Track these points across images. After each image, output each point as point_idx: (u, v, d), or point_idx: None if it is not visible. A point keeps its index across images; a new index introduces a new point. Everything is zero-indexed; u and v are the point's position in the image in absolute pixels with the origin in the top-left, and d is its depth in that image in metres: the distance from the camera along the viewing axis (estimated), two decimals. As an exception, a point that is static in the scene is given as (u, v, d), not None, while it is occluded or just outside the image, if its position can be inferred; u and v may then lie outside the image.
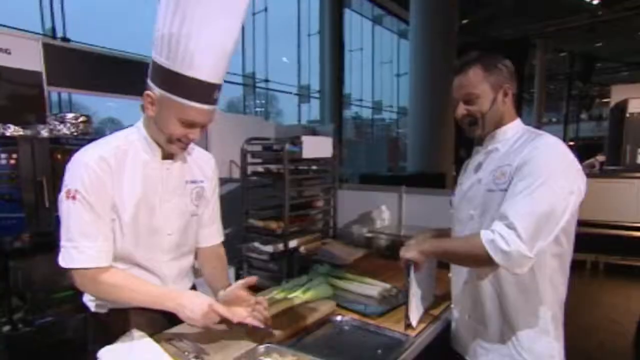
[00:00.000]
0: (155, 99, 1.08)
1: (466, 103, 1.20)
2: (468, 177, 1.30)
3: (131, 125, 1.23)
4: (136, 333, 1.20)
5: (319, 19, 9.84)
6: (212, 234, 1.38)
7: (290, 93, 10.46)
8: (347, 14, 10.53)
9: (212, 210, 1.36)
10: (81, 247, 1.07)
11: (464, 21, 7.76)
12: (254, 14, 8.94)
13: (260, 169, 2.68)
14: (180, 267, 1.30)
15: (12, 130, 2.61)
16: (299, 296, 1.48)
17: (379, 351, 1.22)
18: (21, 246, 2.63)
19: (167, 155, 1.19)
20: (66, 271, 1.12)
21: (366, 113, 13.97)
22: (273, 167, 2.54)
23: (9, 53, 2.95)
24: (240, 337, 1.22)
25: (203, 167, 1.31)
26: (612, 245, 4.67)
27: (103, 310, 1.22)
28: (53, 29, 4.93)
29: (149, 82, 1.11)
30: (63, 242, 1.08)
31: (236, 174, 4.17)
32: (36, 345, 2.84)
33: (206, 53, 1.02)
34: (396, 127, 15.95)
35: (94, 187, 1.06)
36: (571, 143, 14.23)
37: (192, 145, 1.25)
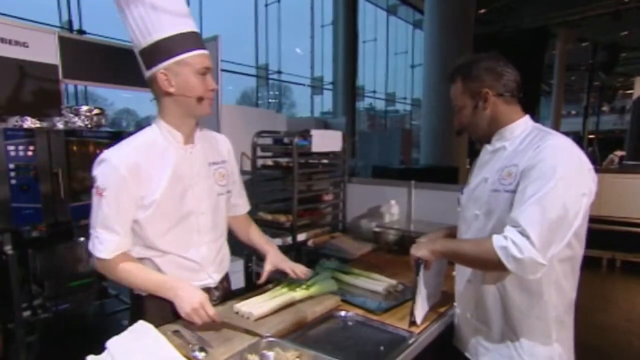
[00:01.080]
0: (168, 73, 1.17)
1: (457, 112, 1.27)
2: (476, 175, 1.29)
3: (147, 117, 1.34)
4: (143, 324, 1.23)
5: (332, 10, 9.73)
6: (242, 205, 1.56)
7: (304, 85, 10.42)
8: (361, 4, 10.39)
9: (238, 186, 1.50)
10: (102, 239, 1.17)
11: (482, 10, 7.55)
12: (266, 5, 8.90)
13: (270, 162, 2.68)
14: (218, 251, 1.37)
15: (29, 122, 2.67)
16: (303, 290, 1.49)
17: (382, 348, 1.22)
18: (38, 235, 2.71)
19: (188, 141, 1.27)
20: (82, 260, 1.24)
21: (380, 105, 13.87)
22: (283, 160, 2.54)
23: (27, 46, 3.01)
24: (244, 332, 1.24)
25: (220, 149, 1.40)
26: (630, 242, 4.55)
27: (143, 294, 1.30)
28: (70, 21, 5.01)
29: (152, 69, 1.19)
30: (90, 230, 1.21)
31: (247, 166, 4.21)
32: (55, 331, 2.95)
33: (167, 14, 1.17)
34: (410, 119, 15.77)
35: (119, 188, 1.15)
36: (591, 136, 13.81)
37: (206, 131, 1.38)
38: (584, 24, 11.39)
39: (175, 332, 1.23)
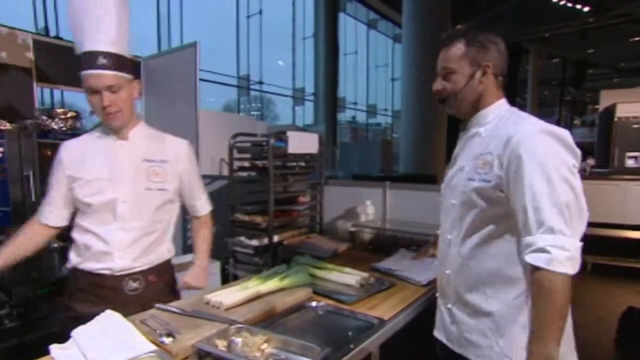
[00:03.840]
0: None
1: (443, 78, 1.17)
2: (453, 164, 1.26)
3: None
4: (110, 313, 1.22)
5: (313, 22, 9.92)
6: (198, 207, 1.62)
7: (285, 96, 10.52)
8: (342, 17, 10.63)
9: (192, 188, 1.56)
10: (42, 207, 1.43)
11: (458, 26, 7.82)
12: (248, 16, 9.01)
13: (247, 164, 2.70)
14: (134, 241, 1.40)
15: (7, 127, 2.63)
16: (275, 282, 1.50)
17: (350, 333, 1.24)
18: (7, 240, 2.64)
19: (122, 137, 1.39)
20: (54, 266, 1.35)
21: (362, 117, 14.07)
22: (259, 162, 2.56)
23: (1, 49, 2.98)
24: (212, 319, 1.24)
25: (165, 150, 1.46)
26: (600, 245, 4.72)
27: (69, 266, 1.45)
28: (46, 28, 4.96)
29: None
30: None
31: (226, 171, 4.20)
32: (22, 340, 2.84)
33: (78, 31, 1.30)
34: (391, 131, 16.04)
35: (57, 168, 1.39)
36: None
37: (157, 132, 1.51)
38: (554, 42, 11.95)
39: (143, 321, 1.22)
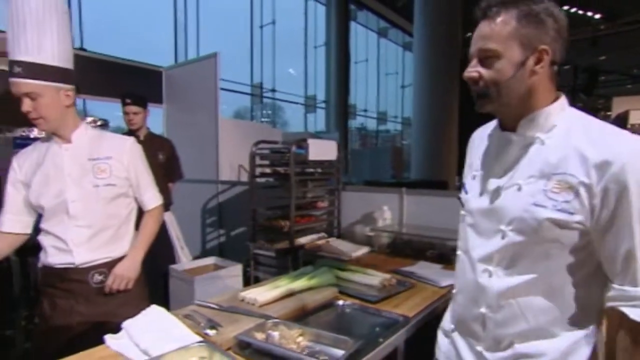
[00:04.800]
0: None
1: (481, 63, 0.88)
2: (493, 173, 0.95)
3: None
4: (155, 308, 1.32)
5: (325, 31, 10.09)
6: (145, 202, 1.67)
7: (297, 103, 10.67)
8: (353, 26, 10.79)
9: (138, 183, 1.62)
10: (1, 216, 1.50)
11: (467, 34, 7.92)
12: (261, 26, 9.22)
13: (268, 170, 2.80)
14: (91, 236, 1.49)
15: (35, 132, 2.78)
16: (304, 282, 1.59)
17: (377, 329, 1.32)
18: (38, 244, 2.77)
19: (65, 141, 1.49)
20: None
21: (371, 124, 14.18)
22: (280, 168, 2.66)
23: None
24: (249, 314, 1.34)
25: (111, 148, 1.55)
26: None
27: (40, 265, 1.54)
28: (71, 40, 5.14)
29: None
30: None
31: (244, 177, 4.32)
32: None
33: (10, 41, 1.36)
34: (401, 138, 16.10)
35: (11, 179, 1.49)
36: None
37: (106, 133, 1.64)
38: (564, 49, 11.92)
39: (187, 315, 1.32)
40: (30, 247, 2.73)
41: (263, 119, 11.45)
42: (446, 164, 6.79)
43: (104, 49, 5.22)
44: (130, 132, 3.02)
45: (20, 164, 1.49)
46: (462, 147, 7.32)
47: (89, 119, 3.09)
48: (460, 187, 1.11)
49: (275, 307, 1.42)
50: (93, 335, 1.47)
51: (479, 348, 0.97)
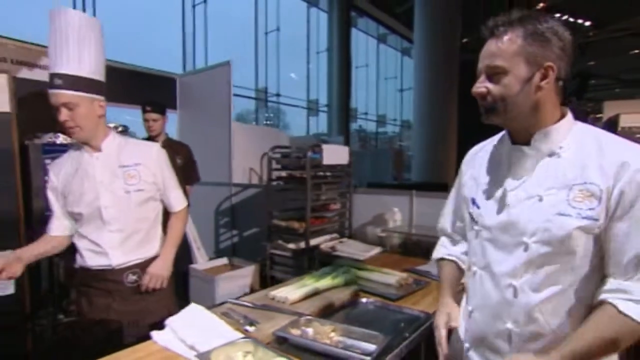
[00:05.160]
0: None
1: (489, 79, 0.90)
2: (508, 187, 0.94)
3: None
4: (195, 306, 1.37)
5: (327, 38, 10.14)
6: (170, 205, 1.70)
7: (300, 107, 10.72)
8: (354, 32, 10.84)
9: (165, 187, 1.65)
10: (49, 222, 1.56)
11: (464, 40, 7.99)
12: (266, 33, 9.27)
13: (283, 174, 2.86)
14: (123, 240, 1.54)
15: (61, 138, 2.81)
16: (328, 281, 1.65)
17: (402, 324, 1.38)
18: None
19: (95, 149, 1.52)
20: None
21: (369, 126, 14.24)
22: (297, 172, 2.71)
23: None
24: (283, 312, 1.39)
25: (138, 154, 1.58)
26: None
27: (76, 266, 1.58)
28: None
29: None
30: None
31: (255, 179, 4.38)
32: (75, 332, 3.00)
33: (52, 56, 1.42)
34: (398, 140, 16.17)
35: (50, 189, 1.55)
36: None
37: (133, 140, 1.66)
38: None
39: (224, 313, 1.38)
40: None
41: (265, 122, 11.51)
42: (446, 166, 6.85)
43: (113, 55, 5.26)
44: (150, 138, 3.07)
45: (56, 173, 1.54)
46: (461, 150, 7.40)
47: (111, 125, 3.13)
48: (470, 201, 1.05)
49: (304, 305, 1.48)
50: (129, 330, 1.55)
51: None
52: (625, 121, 6.59)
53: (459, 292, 1.18)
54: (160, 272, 1.59)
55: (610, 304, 0.81)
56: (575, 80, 13.08)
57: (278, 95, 9.75)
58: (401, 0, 10.01)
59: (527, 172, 0.92)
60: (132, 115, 2.98)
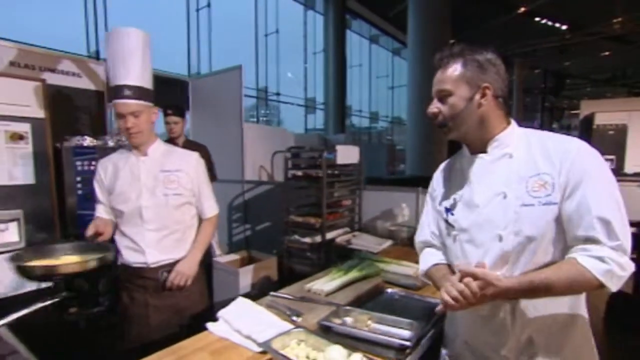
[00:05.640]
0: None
1: (440, 101, 1.02)
2: (475, 191, 1.03)
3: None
4: (242, 299, 1.43)
5: (323, 39, 10.12)
6: (203, 211, 1.74)
7: (298, 105, 10.71)
8: (348, 34, 10.82)
9: (200, 193, 1.70)
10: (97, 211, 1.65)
11: (452, 41, 8.06)
12: (266, 35, 9.21)
13: (299, 172, 2.91)
14: (160, 239, 1.59)
15: (88, 141, 2.82)
16: (355, 274, 1.72)
17: (428, 311, 1.45)
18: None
19: (142, 154, 1.60)
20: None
21: (360, 122, 14.28)
22: (312, 171, 2.77)
23: (80, 76, 3.16)
24: (323, 303, 1.46)
25: (180, 162, 1.65)
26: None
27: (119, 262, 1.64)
28: (97, 52, 5.13)
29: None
30: None
31: (264, 176, 4.42)
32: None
33: (114, 68, 1.52)
34: (387, 134, 16.27)
35: (97, 185, 1.63)
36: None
37: (175, 148, 1.72)
38: (536, 55, 12.27)
39: (269, 305, 1.44)
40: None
41: (262, 118, 11.47)
42: (437, 161, 6.90)
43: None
44: (170, 139, 3.09)
45: (105, 169, 1.61)
46: (451, 145, 7.48)
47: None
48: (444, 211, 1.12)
49: (338, 296, 1.56)
50: (167, 322, 1.60)
51: (504, 353, 1.01)
52: (599, 119, 6.79)
53: None
54: (186, 271, 1.63)
55: (573, 257, 0.88)
56: (552, 79, 13.35)
57: (278, 94, 9.73)
58: (393, 4, 10.01)
59: (488, 174, 1.01)
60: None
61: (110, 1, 5.22)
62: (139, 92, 1.50)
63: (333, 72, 9.80)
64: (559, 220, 0.92)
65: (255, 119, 10.25)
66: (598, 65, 13.72)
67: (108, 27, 5.23)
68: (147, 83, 1.55)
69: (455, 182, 1.12)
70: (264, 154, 4.22)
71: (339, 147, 2.68)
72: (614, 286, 0.85)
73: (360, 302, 1.53)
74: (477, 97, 0.97)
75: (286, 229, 2.87)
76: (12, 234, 2.16)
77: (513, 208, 0.94)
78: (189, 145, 3.16)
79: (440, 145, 7.15)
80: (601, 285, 0.85)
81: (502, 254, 0.96)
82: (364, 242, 2.51)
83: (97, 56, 5.25)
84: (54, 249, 1.37)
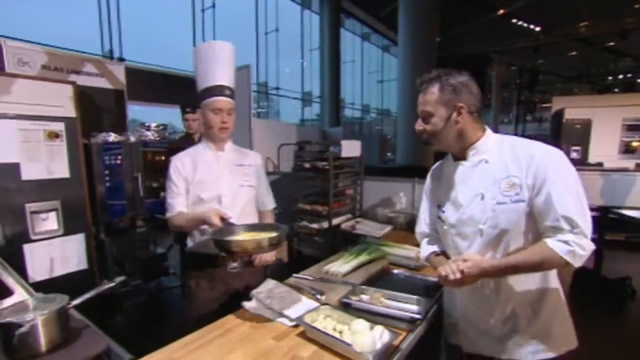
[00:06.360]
0: (202, 110, 1.55)
1: (423, 120, 1.13)
2: (461, 192, 1.15)
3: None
4: (270, 280, 1.50)
5: (319, 37, 10.00)
6: (266, 203, 1.74)
7: (296, 98, 10.65)
8: (342, 32, 10.69)
9: (262, 188, 1.70)
10: (168, 205, 1.55)
11: (437, 39, 8.05)
12: (266, 33, 9.07)
13: (306, 164, 2.96)
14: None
15: (112, 137, 2.83)
16: (365, 257, 1.81)
17: (430, 289, 1.55)
18: (124, 226, 2.89)
19: (219, 149, 1.59)
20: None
21: (350, 113, 14.24)
22: (320, 163, 2.83)
23: (102, 77, 3.14)
24: (341, 283, 1.55)
25: (248, 159, 1.67)
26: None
27: (188, 252, 1.62)
28: (111, 50, 5.02)
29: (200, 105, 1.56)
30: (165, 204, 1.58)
31: (270, 168, 4.46)
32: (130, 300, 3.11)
33: (211, 72, 1.52)
34: (376, 124, 16.28)
35: (175, 174, 1.55)
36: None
37: (244, 150, 1.70)
38: (512, 53, 12.36)
39: (295, 286, 1.52)
40: (118, 229, 2.87)
41: (259, 110, 11.38)
42: (425, 151, 7.05)
43: (141, 59, 5.11)
44: (188, 135, 3.11)
45: (182, 162, 1.55)
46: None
47: (153, 124, 3.14)
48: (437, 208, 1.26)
49: (353, 276, 1.64)
50: (230, 304, 1.53)
51: (492, 321, 1.16)
52: (569, 114, 6.93)
53: None
54: (269, 257, 1.58)
55: (544, 241, 1.00)
56: (527, 76, 13.46)
57: (277, 88, 9.65)
58: (384, 4, 9.90)
59: (468, 178, 1.13)
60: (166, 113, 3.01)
61: (122, 2, 5.07)
62: (233, 93, 1.56)
63: (328, 68, 9.72)
64: (528, 215, 1.03)
65: (254, 111, 10.16)
66: (567, 63, 13.88)
67: (122, 28, 5.11)
68: (234, 84, 1.60)
69: (444, 183, 1.22)
70: (271, 147, 4.25)
71: (343, 142, 2.74)
72: (576, 263, 0.96)
73: (372, 282, 1.62)
74: (454, 115, 1.07)
75: (295, 215, 2.95)
76: (52, 223, 2.20)
77: (490, 206, 1.06)
78: (204, 139, 3.18)
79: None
80: (567, 263, 0.96)
81: (484, 244, 1.09)
82: (367, 227, 2.60)
83: (111, 55, 5.14)
84: (234, 229, 1.39)
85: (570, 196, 0.97)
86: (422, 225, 1.38)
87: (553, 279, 1.14)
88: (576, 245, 0.95)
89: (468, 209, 1.11)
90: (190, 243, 1.61)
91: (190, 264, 1.61)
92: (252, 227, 1.43)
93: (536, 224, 1.03)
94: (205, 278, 1.58)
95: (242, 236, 1.36)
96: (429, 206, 1.34)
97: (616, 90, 14.14)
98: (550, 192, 0.98)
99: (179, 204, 1.54)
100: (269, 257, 1.58)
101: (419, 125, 1.13)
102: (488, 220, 1.06)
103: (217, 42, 1.57)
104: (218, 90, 1.51)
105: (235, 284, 1.61)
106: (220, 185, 1.56)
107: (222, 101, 1.51)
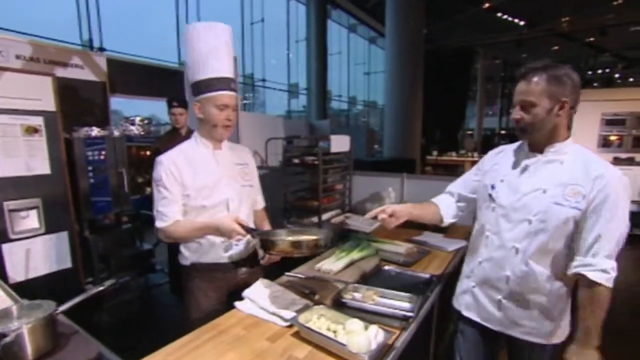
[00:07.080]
0: (200, 104, 1.37)
1: (522, 109, 1.12)
2: (522, 179, 1.19)
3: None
4: (264, 280, 1.49)
5: (305, 28, 9.85)
6: (259, 202, 1.66)
7: (282, 90, 10.51)
8: (328, 23, 10.55)
9: (255, 185, 1.61)
10: (161, 214, 1.36)
11: (425, 31, 8.06)
12: (252, 24, 8.86)
13: (296, 160, 2.94)
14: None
15: (95, 132, 2.72)
16: (357, 254, 1.82)
17: (420, 286, 1.57)
18: (109, 223, 2.80)
19: (216, 147, 1.45)
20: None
21: (337, 105, 14.18)
22: (309, 158, 2.81)
23: (83, 68, 3.01)
24: (333, 281, 1.55)
25: (243, 156, 1.57)
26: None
27: (186, 263, 1.48)
28: (90, 40, 4.79)
29: (194, 98, 1.38)
30: (154, 212, 1.39)
31: (257, 162, 4.40)
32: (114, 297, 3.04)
33: (213, 61, 1.33)
34: (362, 116, 16.27)
35: (168, 179, 1.35)
36: (503, 132, 15.42)
37: (234, 144, 1.55)
38: (497, 46, 12.53)
39: (287, 285, 1.51)
40: (103, 226, 2.78)
41: (245, 102, 11.19)
42: (412, 144, 7.12)
43: (122, 48, 4.91)
44: (175, 129, 3.03)
45: (178, 166, 1.35)
46: (425, 130, 7.60)
47: (137, 118, 3.05)
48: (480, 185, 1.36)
49: (345, 274, 1.65)
50: (229, 304, 1.44)
51: (499, 297, 1.25)
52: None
53: None
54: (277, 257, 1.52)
55: (582, 274, 1.06)
56: (511, 69, 13.68)
57: (264, 80, 9.49)
58: (370, -5, 9.82)
59: (537, 170, 1.16)
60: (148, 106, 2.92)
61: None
62: (235, 85, 1.39)
63: (314, 59, 9.62)
64: (576, 222, 1.09)
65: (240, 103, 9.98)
66: (549, 57, 14.16)
67: (100, 16, 4.88)
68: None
69: (503, 166, 1.27)
70: (258, 140, 4.19)
71: (332, 137, 2.73)
72: (611, 285, 1.04)
73: (364, 279, 1.63)
74: (556, 109, 1.08)
75: (285, 210, 2.93)
76: (32, 221, 2.12)
77: (547, 203, 1.11)
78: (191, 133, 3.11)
79: (415, 130, 7.30)
80: (609, 289, 1.04)
81: (526, 232, 1.15)
82: (357, 222, 2.60)
83: (90, 45, 4.92)
84: (277, 232, 1.36)
85: (615, 232, 1.04)
86: (453, 187, 1.50)
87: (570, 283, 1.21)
88: (613, 272, 1.04)
89: (526, 197, 1.15)
90: (186, 253, 1.48)
91: (191, 273, 1.48)
92: (291, 232, 1.32)
93: (573, 235, 1.11)
94: (209, 282, 1.48)
95: (290, 237, 1.27)
96: (474, 179, 1.41)
97: (595, 84, 14.56)
98: (600, 218, 1.04)
99: (175, 212, 1.36)
100: (275, 257, 1.51)
101: (517, 114, 1.13)
102: (540, 214, 1.11)
103: (217, 24, 1.36)
104: (223, 83, 1.33)
105: (239, 285, 1.52)
106: (224, 189, 1.43)
107: (229, 96, 1.35)
